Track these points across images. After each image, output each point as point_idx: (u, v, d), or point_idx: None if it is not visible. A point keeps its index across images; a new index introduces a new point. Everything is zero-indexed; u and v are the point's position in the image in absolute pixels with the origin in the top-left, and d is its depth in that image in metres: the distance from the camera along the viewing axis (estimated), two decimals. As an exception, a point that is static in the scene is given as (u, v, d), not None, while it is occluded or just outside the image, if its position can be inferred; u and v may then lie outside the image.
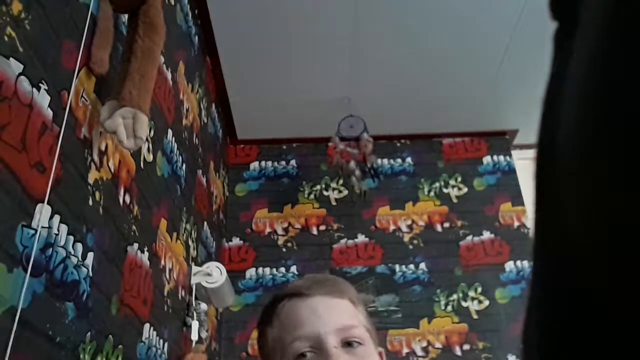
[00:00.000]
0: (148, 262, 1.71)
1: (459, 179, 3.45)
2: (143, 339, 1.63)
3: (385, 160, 3.49)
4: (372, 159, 3.10)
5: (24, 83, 1.01)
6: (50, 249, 1.09)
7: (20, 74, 1.00)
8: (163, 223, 1.91)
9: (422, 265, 3.14)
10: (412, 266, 3.14)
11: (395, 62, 2.96)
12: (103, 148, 1.39)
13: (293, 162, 3.49)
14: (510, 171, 3.47)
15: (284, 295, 0.74)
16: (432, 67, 3.01)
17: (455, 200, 3.36)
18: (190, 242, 2.31)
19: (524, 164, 3.52)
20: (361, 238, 3.22)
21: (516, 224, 3.29)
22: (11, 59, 0.98)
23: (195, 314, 2.18)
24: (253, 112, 3.29)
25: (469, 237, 3.24)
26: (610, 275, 0.16)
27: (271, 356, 0.71)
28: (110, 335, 1.37)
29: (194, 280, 2.26)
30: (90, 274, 1.27)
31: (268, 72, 3.00)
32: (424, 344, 2.95)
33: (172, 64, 2.12)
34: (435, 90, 3.17)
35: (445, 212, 3.32)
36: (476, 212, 3.31)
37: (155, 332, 1.73)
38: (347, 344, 0.68)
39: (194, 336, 2.11)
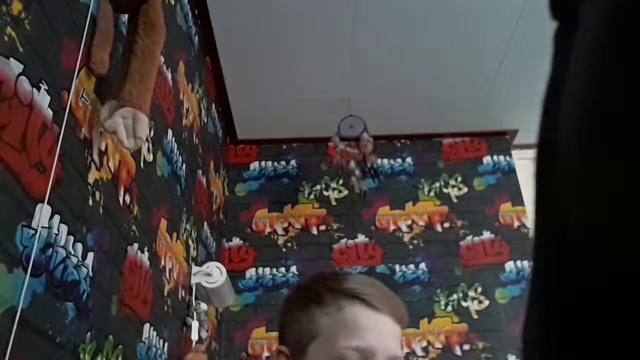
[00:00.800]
0: (148, 262, 1.71)
1: (459, 179, 3.45)
2: (143, 339, 1.63)
3: (385, 160, 3.48)
4: (372, 159, 3.10)
5: (24, 83, 1.01)
6: (50, 249, 1.09)
7: (20, 74, 1.00)
8: (163, 223, 1.91)
9: (422, 265, 3.14)
10: (412, 266, 3.14)
11: (395, 62, 2.96)
12: (103, 148, 1.39)
13: (293, 162, 3.49)
14: (510, 171, 3.47)
15: (352, 294, 0.72)
16: (432, 67, 3.01)
17: (455, 200, 3.36)
18: (190, 242, 2.31)
19: (524, 164, 3.52)
20: (361, 238, 3.22)
21: (516, 224, 3.29)
22: (11, 59, 0.98)
23: (195, 314, 2.18)
24: (253, 112, 3.29)
25: (469, 237, 3.24)
26: (610, 275, 0.16)
27: (307, 337, 0.70)
28: (110, 335, 1.37)
29: (194, 280, 2.26)
30: (90, 274, 1.27)
31: (268, 72, 3.00)
32: (424, 344, 2.95)
33: (172, 64, 2.12)
34: (435, 90, 3.17)
35: (445, 212, 3.32)
36: (476, 212, 3.31)
37: (155, 332, 1.73)
38: None
39: (194, 336, 2.11)
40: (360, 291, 0.73)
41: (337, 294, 0.72)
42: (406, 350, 2.93)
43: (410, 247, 3.20)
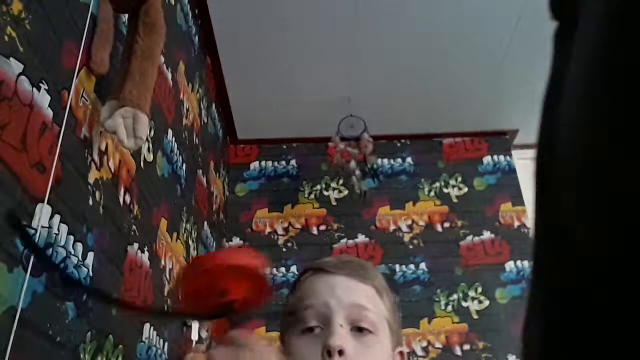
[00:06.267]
0: (148, 262, 1.71)
1: (459, 179, 3.44)
2: (143, 338, 1.63)
3: (385, 160, 3.48)
4: (372, 159, 3.10)
5: (24, 83, 1.01)
6: (51, 249, 1.09)
7: (20, 74, 1.00)
8: (163, 223, 1.91)
9: (422, 265, 3.14)
10: (412, 266, 3.14)
11: (396, 62, 2.96)
12: (103, 148, 1.39)
13: (293, 162, 3.49)
14: (511, 171, 3.47)
15: (310, 268, 0.73)
16: (433, 67, 3.01)
17: (455, 200, 3.36)
18: (190, 242, 2.31)
19: (524, 164, 3.52)
20: (361, 238, 3.22)
21: (516, 224, 3.29)
22: (11, 58, 0.98)
23: (195, 314, 2.17)
24: (253, 112, 3.29)
25: (469, 237, 3.24)
26: (611, 275, 0.16)
27: (285, 324, 0.71)
28: (111, 335, 1.37)
29: (194, 280, 2.25)
30: (91, 273, 1.27)
31: (268, 72, 3.00)
32: (424, 344, 2.95)
33: (172, 64, 2.12)
34: (436, 90, 3.17)
35: (445, 212, 3.32)
36: (476, 212, 3.31)
37: (155, 332, 1.73)
38: (357, 329, 0.65)
39: (194, 336, 2.11)
40: (316, 262, 0.74)
41: (301, 275, 0.75)
42: (406, 350, 2.93)
43: (410, 247, 3.20)
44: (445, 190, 3.40)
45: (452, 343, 2.95)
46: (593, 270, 0.17)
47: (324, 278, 0.70)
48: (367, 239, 3.22)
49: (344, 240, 3.21)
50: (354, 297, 0.67)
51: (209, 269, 0.52)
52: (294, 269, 3.12)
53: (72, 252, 1.19)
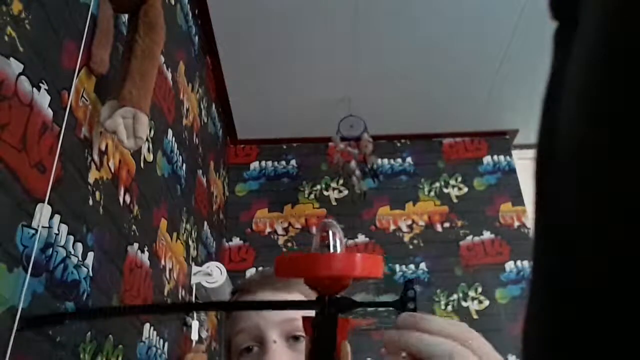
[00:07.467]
0: (148, 262, 1.71)
1: (459, 179, 3.44)
2: (143, 338, 1.63)
3: (385, 160, 3.48)
4: (372, 159, 3.10)
5: (24, 83, 1.01)
6: (51, 249, 1.09)
7: (20, 74, 1.00)
8: (163, 223, 1.91)
9: (422, 265, 3.14)
10: (412, 266, 3.14)
11: (396, 62, 2.96)
12: (103, 148, 1.39)
13: (293, 162, 3.49)
14: (511, 171, 3.47)
15: (236, 290, 0.76)
16: (433, 67, 3.01)
17: (455, 200, 3.36)
18: (190, 242, 2.31)
19: (524, 164, 3.52)
20: (361, 238, 3.22)
21: (516, 224, 3.29)
22: (11, 58, 0.98)
23: (195, 314, 2.18)
24: (253, 112, 3.29)
25: (469, 237, 3.24)
26: (611, 275, 0.16)
27: (226, 349, 0.73)
28: (110, 335, 1.37)
29: (194, 280, 2.26)
30: (91, 273, 1.27)
31: (268, 72, 3.00)
32: (424, 344, 2.94)
33: (172, 64, 2.12)
34: (436, 90, 3.17)
35: (445, 212, 3.32)
36: (476, 212, 3.31)
37: (155, 332, 1.73)
38: (294, 338, 0.67)
39: (194, 336, 2.11)
40: (241, 283, 0.77)
41: (231, 297, 0.77)
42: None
43: (410, 247, 3.20)
44: (445, 190, 3.40)
45: (452, 343, 2.95)
46: (593, 271, 0.17)
47: (250, 299, 0.72)
48: (367, 239, 3.22)
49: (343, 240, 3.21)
50: (282, 312, 0.68)
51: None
52: (294, 269, 3.11)
53: (72, 252, 1.19)
